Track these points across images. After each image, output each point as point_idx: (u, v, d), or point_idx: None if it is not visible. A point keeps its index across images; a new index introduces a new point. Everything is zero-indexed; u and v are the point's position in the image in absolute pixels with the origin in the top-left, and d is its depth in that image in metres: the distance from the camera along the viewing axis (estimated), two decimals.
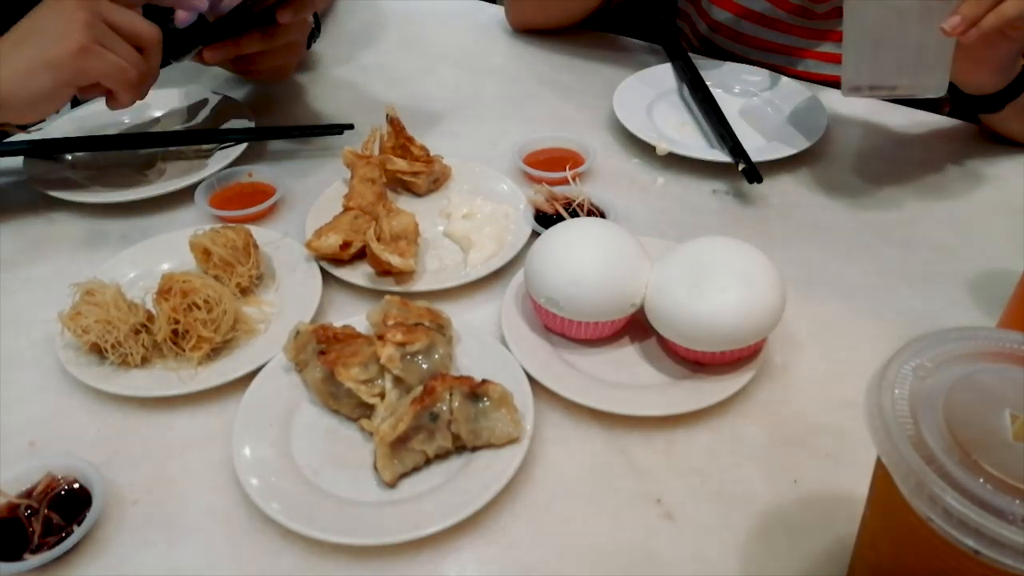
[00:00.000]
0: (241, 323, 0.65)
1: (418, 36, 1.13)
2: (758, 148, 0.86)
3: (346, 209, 0.75)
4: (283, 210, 0.81)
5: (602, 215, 0.76)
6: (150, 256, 0.73)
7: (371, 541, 0.51)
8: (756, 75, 0.98)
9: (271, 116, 0.95)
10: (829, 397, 0.61)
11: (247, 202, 0.79)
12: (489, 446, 0.55)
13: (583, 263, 0.60)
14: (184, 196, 0.80)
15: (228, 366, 0.62)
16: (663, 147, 0.85)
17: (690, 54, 1.07)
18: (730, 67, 1.00)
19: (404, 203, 0.81)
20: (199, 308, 0.62)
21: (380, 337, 0.59)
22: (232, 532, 0.53)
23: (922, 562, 0.38)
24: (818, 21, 0.99)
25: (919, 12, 0.66)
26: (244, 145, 0.86)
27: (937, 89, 0.71)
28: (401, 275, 0.69)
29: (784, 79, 0.96)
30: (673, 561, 0.51)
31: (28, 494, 0.54)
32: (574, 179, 0.79)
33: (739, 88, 0.97)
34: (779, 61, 1.02)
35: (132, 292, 0.66)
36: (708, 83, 0.97)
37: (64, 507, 0.53)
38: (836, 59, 1.01)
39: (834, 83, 1.03)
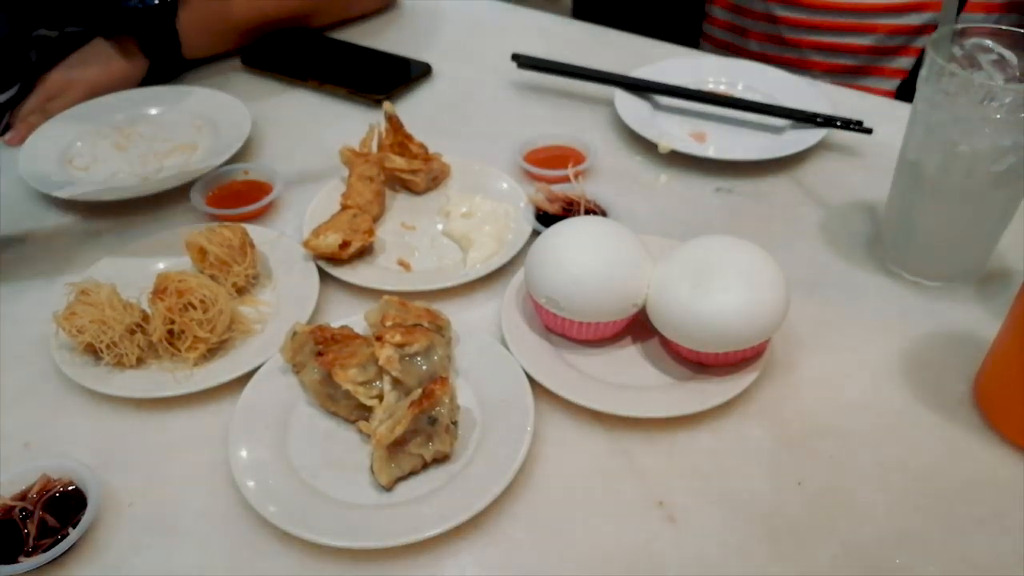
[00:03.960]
0: (237, 323, 0.64)
1: (417, 32, 1.13)
2: (762, 146, 0.85)
3: (344, 207, 0.74)
4: (280, 208, 0.80)
5: (604, 214, 0.75)
6: (145, 255, 0.72)
7: (369, 544, 0.50)
8: (761, 72, 0.97)
9: (268, 113, 0.94)
10: (833, 398, 0.60)
11: (243, 200, 0.79)
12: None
13: (584, 262, 0.60)
14: (180, 194, 0.79)
15: (224, 367, 0.61)
16: (665, 145, 0.84)
17: (693, 50, 1.07)
18: (735, 63, 0.99)
19: (402, 201, 0.80)
20: (195, 308, 0.61)
21: (378, 338, 0.58)
22: (228, 535, 0.53)
23: None
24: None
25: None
26: (240, 143, 0.85)
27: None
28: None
29: (789, 76, 0.95)
30: (675, 564, 0.51)
31: (23, 496, 0.53)
32: (575, 177, 0.78)
33: (743, 84, 0.96)
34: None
35: (127, 292, 0.65)
36: (710, 79, 0.97)
37: (59, 509, 0.53)
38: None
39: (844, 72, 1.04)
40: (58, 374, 0.62)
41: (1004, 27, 0.62)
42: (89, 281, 0.63)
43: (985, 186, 0.62)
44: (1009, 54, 0.61)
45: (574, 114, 0.94)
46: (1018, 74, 0.61)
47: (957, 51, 0.62)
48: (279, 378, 0.61)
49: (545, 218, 0.74)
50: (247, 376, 0.60)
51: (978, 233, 0.67)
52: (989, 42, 0.62)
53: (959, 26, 0.61)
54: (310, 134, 0.92)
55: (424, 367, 0.58)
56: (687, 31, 1.19)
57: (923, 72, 0.62)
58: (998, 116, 0.58)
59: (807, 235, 0.76)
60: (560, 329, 0.63)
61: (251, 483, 0.53)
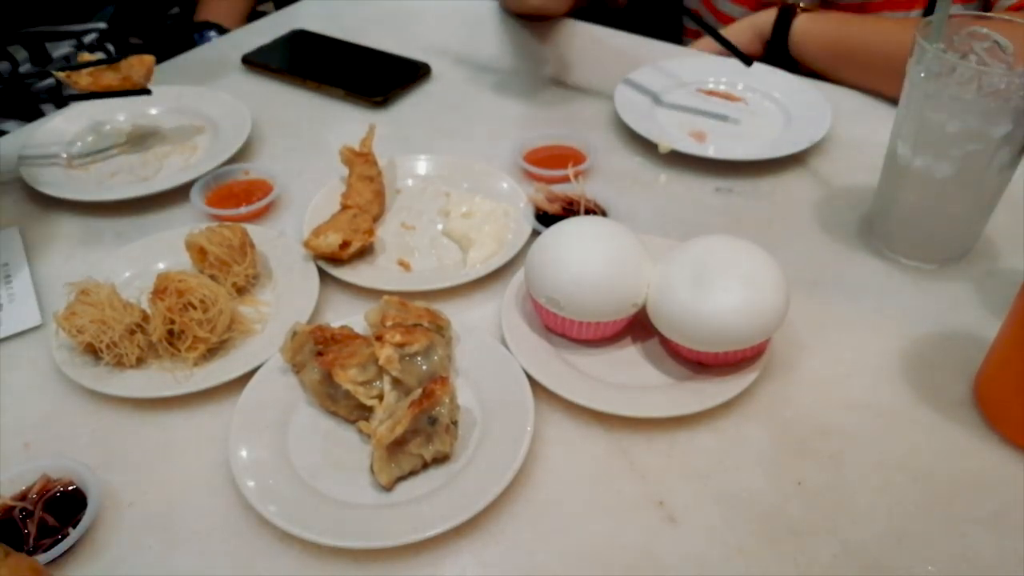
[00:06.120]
0: (237, 323, 0.64)
1: (417, 31, 1.13)
2: (762, 145, 0.85)
3: (344, 207, 0.74)
4: (280, 208, 0.80)
5: (604, 214, 0.75)
6: (145, 255, 0.72)
7: (370, 544, 0.50)
8: (760, 72, 0.97)
9: (268, 113, 0.94)
10: (833, 398, 0.60)
11: (243, 200, 0.79)
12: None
13: (584, 262, 0.60)
14: (180, 194, 0.80)
15: (224, 367, 0.61)
16: (665, 144, 0.84)
17: (693, 50, 1.07)
18: (735, 63, 0.99)
19: (402, 201, 0.80)
20: (195, 308, 0.61)
21: (378, 338, 0.58)
22: (228, 535, 0.53)
23: None
24: None
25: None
26: (240, 143, 0.85)
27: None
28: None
29: (788, 76, 0.95)
30: (675, 564, 0.51)
31: (23, 496, 0.53)
32: (575, 177, 0.78)
33: (743, 84, 0.96)
34: None
35: (127, 292, 0.65)
36: (710, 79, 0.97)
37: (59, 509, 0.53)
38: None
39: None
40: (58, 374, 0.62)
41: (1003, 16, 0.62)
42: (89, 281, 0.63)
43: (971, 172, 0.63)
44: (1004, 41, 0.61)
45: (574, 114, 0.94)
46: (1011, 60, 0.60)
47: (954, 39, 0.62)
48: (279, 378, 0.60)
49: (545, 218, 0.74)
50: (247, 376, 0.60)
51: (963, 216, 0.68)
52: (984, 29, 0.61)
53: (955, 13, 0.61)
54: (310, 134, 0.92)
55: (424, 367, 0.58)
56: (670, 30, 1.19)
57: (912, 58, 0.62)
58: (986, 101, 0.58)
59: (807, 235, 0.76)
60: (560, 329, 0.63)
61: (251, 483, 0.53)
